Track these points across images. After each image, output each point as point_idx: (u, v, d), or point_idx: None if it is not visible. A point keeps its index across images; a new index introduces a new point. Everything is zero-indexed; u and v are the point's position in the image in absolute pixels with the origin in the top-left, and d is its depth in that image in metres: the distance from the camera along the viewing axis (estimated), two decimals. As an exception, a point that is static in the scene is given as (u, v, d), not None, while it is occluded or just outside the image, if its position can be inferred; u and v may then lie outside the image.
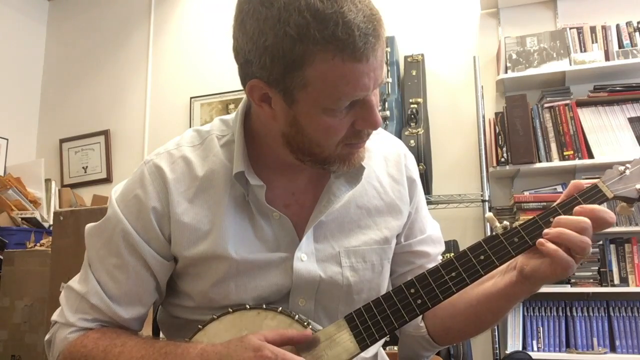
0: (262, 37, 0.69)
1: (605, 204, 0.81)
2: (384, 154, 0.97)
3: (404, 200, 0.95)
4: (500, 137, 2.56)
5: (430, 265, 0.85)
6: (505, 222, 0.80)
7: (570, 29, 2.62)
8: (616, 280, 2.36)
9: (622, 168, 0.83)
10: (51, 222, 2.94)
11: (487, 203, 2.53)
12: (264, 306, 0.81)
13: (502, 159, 2.52)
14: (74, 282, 0.88)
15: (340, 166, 0.81)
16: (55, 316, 0.87)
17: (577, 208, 0.76)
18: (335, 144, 0.77)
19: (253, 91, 0.76)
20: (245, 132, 0.86)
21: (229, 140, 0.88)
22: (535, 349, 2.38)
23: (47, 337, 0.88)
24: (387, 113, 2.59)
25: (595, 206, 0.76)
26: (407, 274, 0.96)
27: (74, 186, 3.60)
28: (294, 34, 0.67)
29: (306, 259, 0.85)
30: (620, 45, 2.53)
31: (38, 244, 2.71)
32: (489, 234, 2.35)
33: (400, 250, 0.97)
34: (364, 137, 0.79)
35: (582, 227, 0.73)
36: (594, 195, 0.81)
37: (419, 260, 0.97)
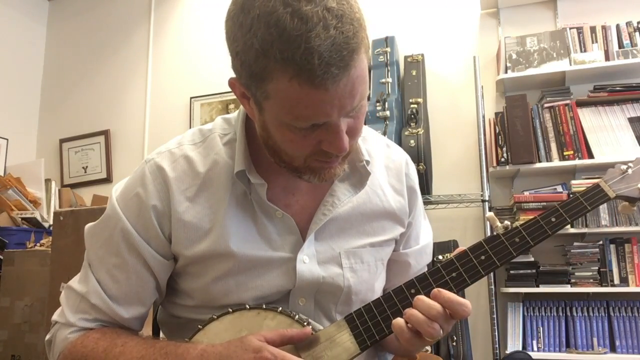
0: (235, 42, 0.69)
1: (606, 203, 0.80)
2: (385, 163, 0.97)
3: (404, 211, 0.96)
4: (500, 137, 2.56)
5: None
6: (507, 222, 0.80)
7: (570, 29, 2.62)
8: (616, 280, 2.36)
9: (624, 167, 0.83)
10: (51, 222, 2.94)
11: (487, 203, 2.52)
12: (264, 306, 0.81)
13: (502, 159, 2.52)
14: (74, 282, 0.88)
15: (312, 178, 0.80)
16: (55, 316, 0.87)
17: (434, 291, 0.74)
18: (303, 157, 0.76)
19: (234, 87, 0.77)
20: (247, 130, 0.86)
21: (231, 138, 0.88)
22: (535, 349, 2.38)
23: (47, 337, 0.88)
24: (387, 113, 2.58)
25: (452, 296, 0.74)
26: (398, 278, 0.97)
27: (74, 186, 3.60)
28: (259, 47, 0.65)
29: (308, 261, 0.85)
30: (620, 45, 2.53)
31: (38, 244, 2.71)
32: (489, 233, 2.36)
33: (395, 257, 0.98)
34: (332, 157, 0.76)
35: (432, 314, 0.72)
36: (596, 195, 0.81)
37: (409, 269, 1.00)
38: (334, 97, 0.67)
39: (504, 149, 2.52)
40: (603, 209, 2.39)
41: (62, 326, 0.85)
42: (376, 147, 0.97)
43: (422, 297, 0.74)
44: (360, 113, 0.74)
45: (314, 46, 0.63)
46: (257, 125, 0.79)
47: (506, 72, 2.64)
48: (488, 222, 2.50)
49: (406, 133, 2.58)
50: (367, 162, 0.88)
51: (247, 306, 0.81)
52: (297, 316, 0.80)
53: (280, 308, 0.80)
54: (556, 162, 2.47)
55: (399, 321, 0.74)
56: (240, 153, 0.84)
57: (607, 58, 2.52)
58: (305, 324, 0.78)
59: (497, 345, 2.40)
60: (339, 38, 0.64)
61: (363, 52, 0.69)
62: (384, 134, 2.51)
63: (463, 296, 2.52)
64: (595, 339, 2.35)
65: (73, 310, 0.85)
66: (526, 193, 2.53)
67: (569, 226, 2.27)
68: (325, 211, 0.87)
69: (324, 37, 0.63)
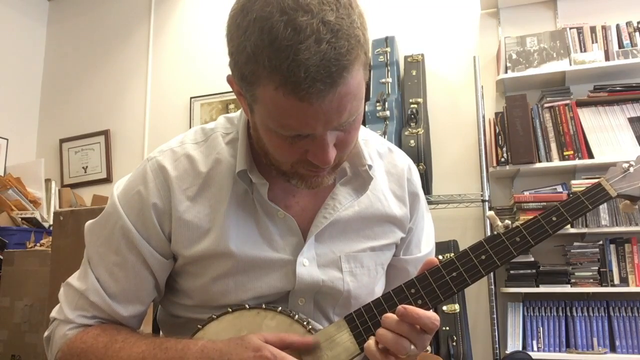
0: (232, 42, 0.70)
1: (606, 203, 0.80)
2: (386, 168, 0.96)
3: (405, 217, 0.95)
4: (500, 137, 2.56)
5: None
6: (507, 221, 0.79)
7: (570, 29, 2.62)
8: (616, 280, 2.36)
9: (626, 165, 0.82)
10: (51, 222, 2.93)
11: (487, 203, 2.53)
12: (264, 306, 0.81)
13: (502, 159, 2.52)
14: (73, 279, 0.88)
15: (299, 183, 0.79)
16: (54, 313, 0.88)
17: (399, 310, 0.72)
18: (289, 163, 0.76)
19: (232, 84, 0.77)
20: (249, 130, 0.86)
21: (233, 137, 0.88)
22: (535, 349, 2.38)
23: (46, 333, 0.88)
24: (387, 113, 2.58)
25: (419, 311, 0.72)
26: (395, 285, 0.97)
27: (74, 186, 3.60)
28: (250, 51, 0.65)
29: (308, 264, 0.85)
30: (620, 45, 2.53)
31: (38, 244, 2.71)
32: (489, 233, 2.36)
33: (395, 263, 0.97)
34: (318, 167, 0.75)
35: (402, 329, 0.72)
36: (597, 194, 0.80)
37: (408, 277, 0.98)
38: (319, 111, 0.66)
39: (504, 149, 2.52)
40: (603, 208, 2.39)
41: (61, 323, 0.85)
42: (378, 151, 0.96)
43: (389, 315, 0.74)
44: (352, 127, 0.73)
45: (302, 59, 0.62)
46: (251, 125, 0.80)
47: (506, 72, 2.63)
48: (488, 222, 2.51)
49: (406, 133, 2.58)
50: (370, 166, 0.88)
51: (247, 306, 0.81)
52: (296, 316, 0.79)
53: (280, 308, 0.80)
54: (556, 162, 2.47)
55: (369, 343, 0.74)
56: (242, 152, 0.84)
57: (607, 58, 2.52)
58: (304, 323, 0.79)
59: (497, 345, 2.40)
60: (330, 53, 0.63)
61: (357, 69, 0.67)
62: (384, 134, 2.51)
63: (463, 296, 2.51)
64: (595, 339, 2.34)
65: (71, 307, 0.85)
66: (526, 193, 2.53)
67: (569, 226, 2.27)
68: (326, 214, 0.86)
69: (314, 51, 0.62)
